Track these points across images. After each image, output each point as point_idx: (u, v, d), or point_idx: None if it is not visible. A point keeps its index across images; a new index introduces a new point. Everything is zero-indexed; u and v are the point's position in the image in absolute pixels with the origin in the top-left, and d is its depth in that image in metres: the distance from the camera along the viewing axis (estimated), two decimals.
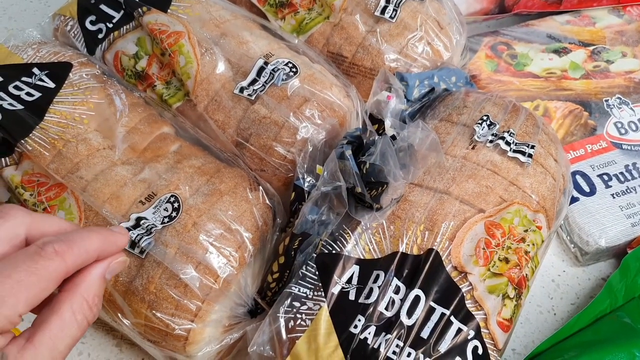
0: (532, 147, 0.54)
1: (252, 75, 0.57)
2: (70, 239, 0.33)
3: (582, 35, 0.79)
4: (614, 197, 0.64)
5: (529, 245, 0.51)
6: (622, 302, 0.54)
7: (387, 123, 0.50)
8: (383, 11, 0.63)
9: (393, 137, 0.49)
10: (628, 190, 0.64)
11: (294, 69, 0.58)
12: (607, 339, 0.49)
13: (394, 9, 0.63)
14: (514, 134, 0.55)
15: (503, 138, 0.54)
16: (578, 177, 0.65)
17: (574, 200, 0.63)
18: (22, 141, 0.52)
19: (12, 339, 0.32)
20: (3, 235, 0.32)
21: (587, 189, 0.65)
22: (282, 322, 0.47)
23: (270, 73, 0.57)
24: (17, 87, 0.56)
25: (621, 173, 0.66)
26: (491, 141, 0.54)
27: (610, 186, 0.65)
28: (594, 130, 0.69)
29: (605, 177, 0.65)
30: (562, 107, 0.71)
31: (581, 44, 0.77)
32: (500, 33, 0.79)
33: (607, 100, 0.71)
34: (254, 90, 0.57)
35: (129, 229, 0.48)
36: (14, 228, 0.33)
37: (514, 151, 0.54)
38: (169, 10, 0.61)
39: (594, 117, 0.70)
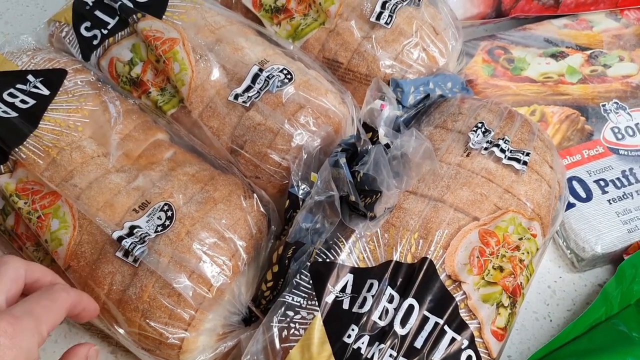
0: (527, 154, 0.54)
1: (247, 82, 0.57)
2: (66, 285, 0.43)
3: (580, 39, 0.79)
4: (611, 203, 0.64)
5: (523, 253, 0.50)
6: (618, 309, 0.54)
7: (381, 132, 0.49)
8: (378, 17, 0.63)
9: (387, 146, 0.49)
10: (625, 196, 0.64)
11: (288, 76, 0.58)
12: (602, 347, 0.49)
13: (389, 15, 0.63)
14: (509, 141, 0.54)
15: (498, 145, 0.54)
16: (574, 182, 0.65)
17: (570, 206, 0.63)
18: (17, 149, 0.52)
19: None
20: (12, 276, 0.40)
21: (583, 194, 0.64)
22: (275, 331, 0.47)
23: (265, 80, 0.57)
24: (11, 95, 0.56)
25: (618, 179, 0.65)
26: (486, 148, 0.54)
27: (607, 192, 0.64)
28: (590, 135, 0.69)
29: (602, 183, 0.65)
30: (558, 112, 0.70)
31: (578, 48, 0.77)
32: (497, 37, 0.79)
33: (604, 105, 0.71)
34: (248, 97, 0.57)
35: (122, 237, 0.48)
36: (18, 270, 0.41)
37: (509, 158, 0.54)
38: (163, 17, 0.61)
39: (591, 122, 0.70)
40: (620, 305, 0.55)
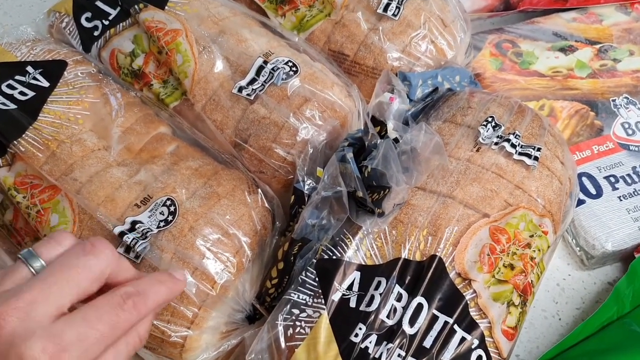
0: (538, 149, 0.53)
1: (251, 74, 0.56)
2: (146, 292, 0.37)
3: (589, 33, 0.77)
4: (621, 200, 0.62)
5: (534, 251, 0.49)
6: (630, 308, 0.53)
7: (390, 125, 0.48)
8: (386, 8, 0.62)
9: (395, 140, 0.48)
10: (635, 193, 0.63)
11: (294, 68, 0.56)
12: (614, 347, 0.48)
13: (397, 7, 0.62)
14: (519, 136, 0.53)
15: (508, 140, 0.53)
16: (584, 179, 0.64)
17: (580, 202, 0.62)
18: (15, 142, 0.51)
19: None
20: (96, 274, 0.35)
21: (593, 191, 0.63)
22: (280, 329, 0.46)
23: (270, 72, 0.56)
24: (10, 86, 0.54)
25: (628, 175, 0.64)
26: (496, 143, 0.53)
27: (617, 188, 0.63)
28: (600, 130, 0.68)
29: (612, 179, 0.64)
30: (568, 107, 0.69)
31: (588, 42, 0.76)
32: (505, 30, 0.77)
33: (614, 100, 0.70)
34: (253, 89, 0.55)
35: (124, 233, 0.47)
36: (104, 269, 0.36)
37: (520, 154, 0.52)
38: (166, 7, 0.60)
39: (601, 117, 0.69)
40: (632, 304, 0.53)
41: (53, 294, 0.33)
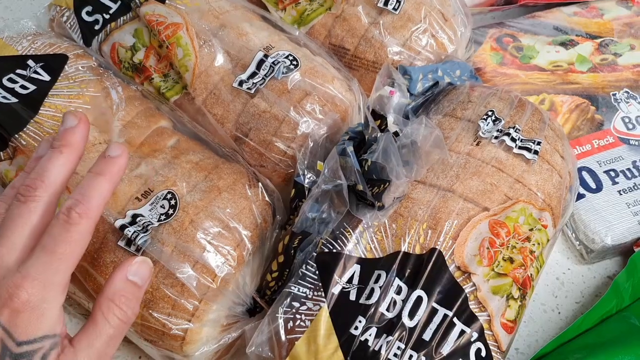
0: (538, 143, 0.53)
1: (252, 68, 0.56)
2: (87, 196, 0.38)
3: (590, 27, 0.77)
4: (621, 194, 0.63)
5: (534, 244, 0.49)
6: (629, 302, 0.53)
7: (390, 119, 0.48)
8: (386, 2, 0.62)
9: (396, 134, 0.48)
10: (635, 187, 0.63)
11: (294, 62, 0.56)
12: (613, 340, 0.48)
13: (397, 1, 0.62)
14: (519, 129, 0.53)
15: (508, 134, 0.53)
16: (584, 173, 0.64)
17: (579, 196, 0.62)
18: (17, 135, 0.51)
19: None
20: (39, 213, 0.38)
21: (593, 185, 0.63)
22: (281, 322, 0.46)
23: (270, 66, 0.56)
24: (11, 80, 0.54)
25: (628, 169, 0.64)
26: (496, 137, 0.53)
27: (617, 183, 0.63)
28: (600, 125, 0.68)
29: (612, 174, 0.64)
30: (568, 101, 0.69)
31: (588, 36, 0.76)
32: (506, 25, 0.77)
33: (614, 95, 0.70)
34: (253, 83, 0.55)
35: (125, 226, 0.47)
36: (46, 204, 0.39)
37: (520, 148, 0.52)
38: (167, 1, 0.60)
39: (601, 111, 0.69)
40: (632, 297, 0.54)
41: (11, 241, 0.37)
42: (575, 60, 0.73)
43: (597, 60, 0.73)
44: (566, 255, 0.63)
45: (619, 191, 0.63)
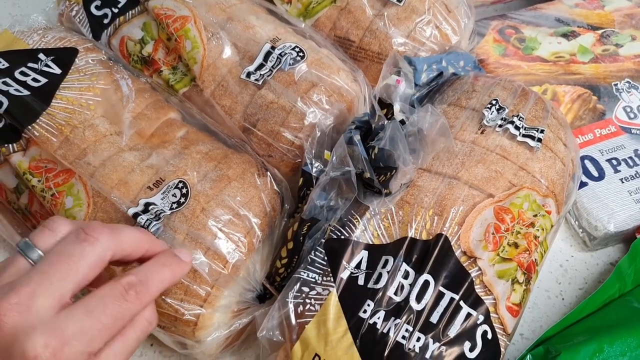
0: (542, 131, 0.54)
1: (259, 60, 0.57)
2: (149, 280, 0.37)
3: (591, 18, 0.78)
4: (623, 182, 0.63)
5: (538, 230, 0.50)
6: (631, 286, 0.54)
7: (396, 107, 0.49)
8: None
9: (402, 122, 0.49)
10: (637, 175, 0.64)
11: (301, 54, 0.57)
12: (616, 323, 0.49)
13: None
14: (523, 118, 0.54)
15: (512, 122, 0.54)
16: (587, 161, 0.65)
17: (582, 185, 0.63)
18: (29, 127, 0.52)
19: None
20: (94, 261, 0.35)
21: (595, 173, 0.64)
22: (291, 307, 0.47)
23: (277, 57, 0.57)
24: (23, 73, 0.55)
25: (630, 158, 0.65)
26: (500, 125, 0.54)
27: (619, 171, 0.64)
28: (602, 114, 0.68)
29: (614, 162, 0.65)
30: (570, 91, 0.70)
31: (590, 27, 0.77)
32: (508, 17, 0.78)
33: (616, 85, 0.71)
34: (260, 75, 0.56)
35: (138, 214, 0.48)
36: (102, 254, 0.35)
37: (524, 135, 0.53)
38: None
39: (603, 101, 0.69)
40: (634, 282, 0.55)
41: (52, 286, 0.33)
42: (577, 51, 0.74)
43: (598, 51, 0.74)
44: (569, 242, 0.64)
45: (621, 179, 0.64)
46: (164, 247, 0.40)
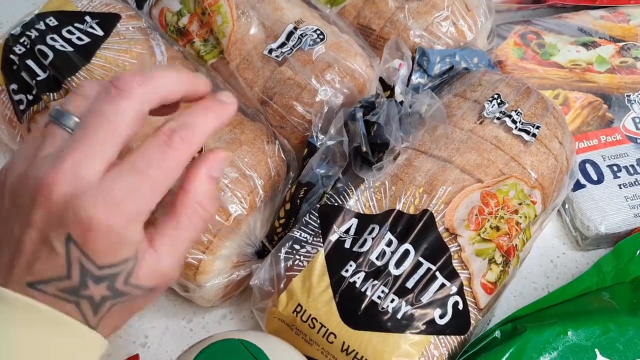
0: (537, 127, 0.57)
1: (282, 38, 0.62)
2: (192, 124, 0.34)
3: (614, 30, 0.80)
4: (621, 188, 0.66)
5: (521, 217, 0.54)
6: (610, 283, 0.57)
7: (397, 89, 0.53)
8: None
9: (401, 103, 0.53)
10: (636, 183, 0.66)
11: (321, 36, 0.62)
12: (586, 312, 0.52)
13: None
14: (521, 113, 0.57)
15: (510, 116, 0.57)
16: (588, 165, 0.67)
17: (580, 186, 0.65)
18: (69, 79, 0.58)
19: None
20: (131, 115, 0.33)
21: (595, 177, 0.66)
22: (282, 261, 0.51)
23: (299, 37, 0.61)
24: (69, 32, 0.61)
25: (632, 166, 0.67)
26: (498, 118, 0.57)
27: (619, 177, 0.66)
28: (610, 122, 0.71)
29: (615, 168, 0.67)
30: (581, 98, 0.72)
31: (612, 39, 0.79)
32: (532, 23, 0.81)
33: (628, 96, 0.73)
34: (282, 52, 0.61)
35: None
36: (139, 106, 0.33)
37: (519, 129, 0.56)
38: None
39: (613, 110, 0.72)
40: (614, 280, 0.57)
41: (95, 149, 0.32)
42: (595, 61, 0.76)
43: (616, 62, 0.76)
44: (562, 240, 0.67)
45: (620, 185, 0.66)
46: (206, 85, 0.37)
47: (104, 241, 0.31)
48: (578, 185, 0.66)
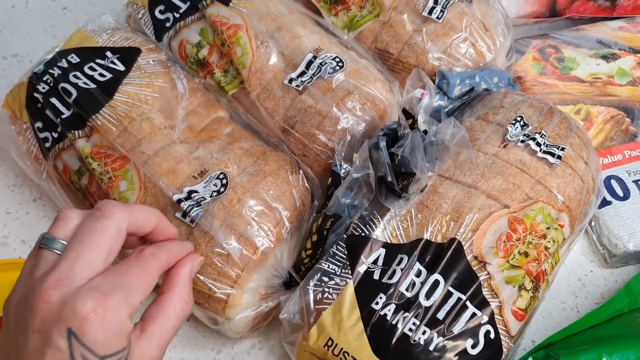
0: (562, 149, 0.56)
1: (301, 67, 0.62)
2: (158, 245, 0.41)
3: (634, 42, 0.79)
4: None
5: (549, 241, 0.53)
6: None
7: (420, 119, 0.53)
8: (430, 12, 0.67)
9: (425, 132, 0.53)
10: None
11: (340, 63, 0.62)
12: (619, 336, 0.52)
13: (441, 10, 0.66)
14: (545, 135, 0.57)
15: (534, 139, 0.57)
16: (613, 181, 0.67)
17: (606, 203, 0.65)
18: (94, 116, 0.59)
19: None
20: (114, 231, 0.38)
21: (621, 193, 0.66)
22: (311, 294, 0.52)
23: (318, 66, 0.61)
24: (91, 68, 0.62)
25: None
26: (522, 141, 0.57)
27: None
28: (634, 136, 0.70)
29: None
30: (604, 112, 0.72)
31: (631, 50, 0.78)
32: (550, 36, 0.80)
33: None
34: (302, 81, 0.61)
35: (181, 200, 0.54)
36: (120, 224, 0.39)
37: (544, 152, 0.56)
38: (230, 4, 0.66)
39: (636, 124, 0.71)
40: None
41: (85, 260, 0.36)
42: (615, 73, 0.76)
43: (637, 74, 0.76)
44: (590, 258, 0.66)
45: None
46: (171, 226, 0.43)
47: (101, 331, 0.35)
48: (604, 202, 0.65)
